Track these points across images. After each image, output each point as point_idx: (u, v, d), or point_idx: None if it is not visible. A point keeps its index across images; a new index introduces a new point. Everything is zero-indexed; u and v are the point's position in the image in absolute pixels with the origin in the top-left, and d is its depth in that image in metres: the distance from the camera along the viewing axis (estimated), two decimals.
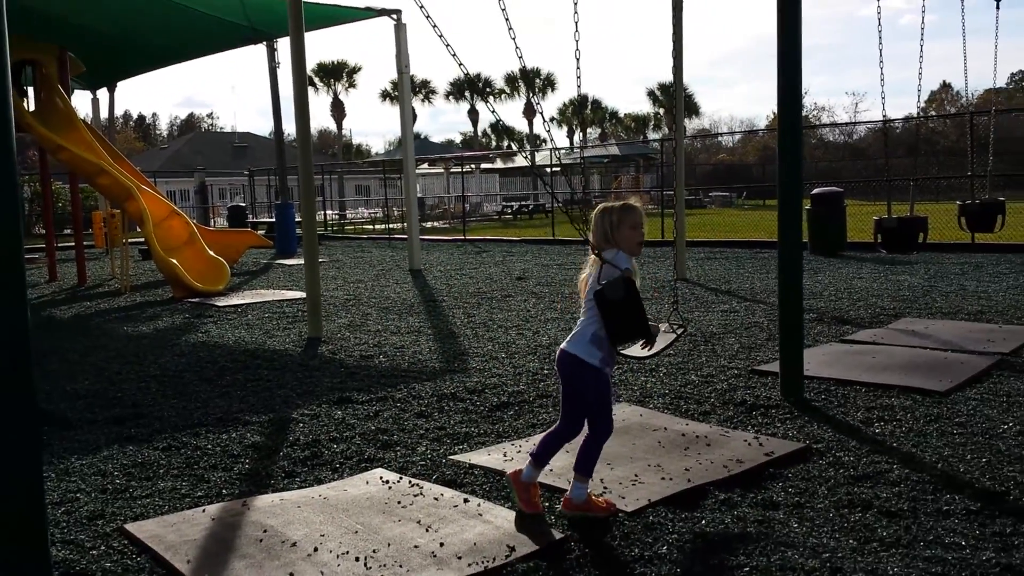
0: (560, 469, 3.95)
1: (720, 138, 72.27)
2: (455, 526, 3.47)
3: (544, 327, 8.17)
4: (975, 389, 5.38)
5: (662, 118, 66.57)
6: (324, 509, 3.71)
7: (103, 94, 20.88)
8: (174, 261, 12.24)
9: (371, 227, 32.40)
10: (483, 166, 49.72)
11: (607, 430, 3.56)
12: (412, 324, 8.85)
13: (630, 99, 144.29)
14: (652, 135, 66.73)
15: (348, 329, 8.66)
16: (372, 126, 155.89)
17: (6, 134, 2.69)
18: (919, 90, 8.79)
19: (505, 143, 67.16)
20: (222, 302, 11.18)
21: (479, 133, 69.69)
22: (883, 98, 7.86)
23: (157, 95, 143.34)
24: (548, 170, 39.32)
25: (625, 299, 3.34)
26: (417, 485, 3.97)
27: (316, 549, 3.30)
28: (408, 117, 15.46)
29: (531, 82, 56.22)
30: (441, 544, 3.30)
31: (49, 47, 14.55)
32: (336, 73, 61.28)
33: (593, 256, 3.49)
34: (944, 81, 71.69)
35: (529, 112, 63.12)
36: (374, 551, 3.26)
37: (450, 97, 66.01)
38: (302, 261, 10.32)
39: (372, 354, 7.30)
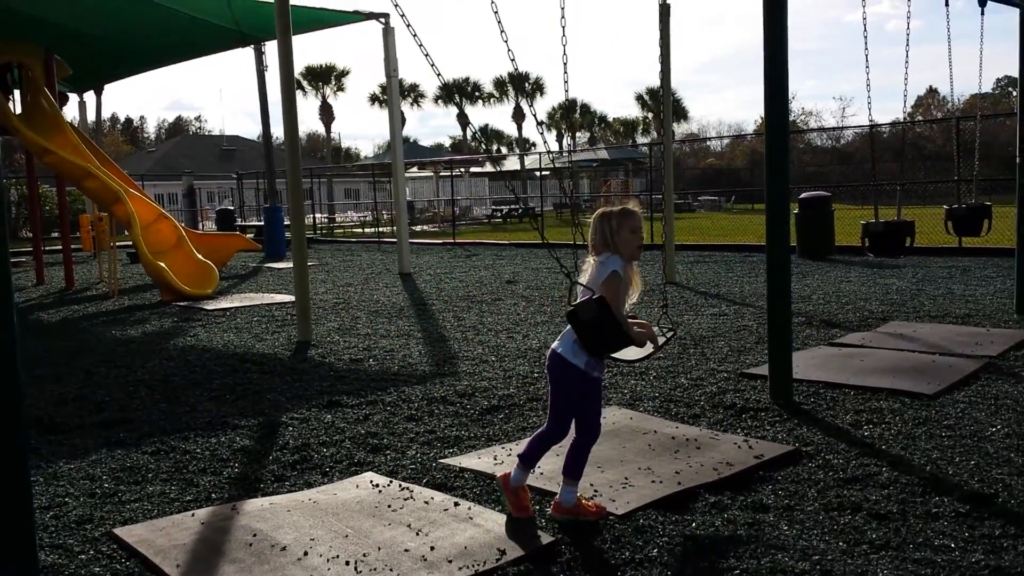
0: (550, 472, 3.95)
1: (709, 142, 72.56)
2: (445, 530, 3.46)
3: (534, 330, 8.17)
4: (963, 392, 5.41)
5: (651, 122, 66.73)
6: (314, 513, 3.70)
7: (90, 97, 20.80)
8: (162, 265, 12.19)
9: (360, 231, 32.36)
10: (472, 169, 49.74)
11: (593, 433, 3.57)
12: (402, 328, 8.84)
13: (619, 103, 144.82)
14: (641, 139, 66.89)
15: (337, 333, 8.64)
16: (361, 129, 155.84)
17: None
18: (905, 95, 8.83)
19: (487, 148, 67.19)
20: (211, 306, 11.14)
21: (468, 137, 69.70)
22: (869, 103, 7.90)
23: (144, 98, 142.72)
24: (538, 174, 39.37)
25: (597, 319, 3.33)
26: (407, 489, 3.96)
27: (306, 553, 3.28)
28: (397, 121, 15.45)
29: (521, 86, 56.29)
30: (432, 548, 3.29)
31: (35, 49, 14.47)
32: (324, 76, 61.17)
33: (591, 259, 3.50)
34: (930, 86, 72.21)
35: (518, 116, 63.17)
36: (364, 555, 3.25)
37: (439, 101, 66.01)
38: (291, 265, 10.29)
39: (362, 358, 7.29)
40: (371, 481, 4.10)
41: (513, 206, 38.84)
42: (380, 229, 28.00)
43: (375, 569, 3.13)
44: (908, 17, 8.19)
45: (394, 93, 15.28)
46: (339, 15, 14.74)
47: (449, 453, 4.56)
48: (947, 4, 8.44)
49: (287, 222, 16.34)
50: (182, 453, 4.71)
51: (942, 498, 3.65)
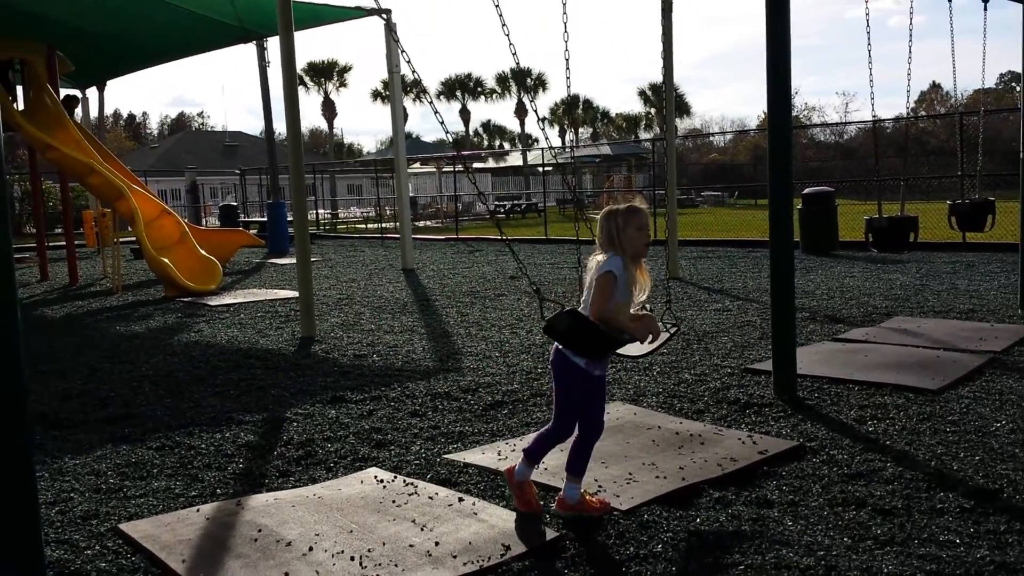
0: (554, 468, 3.95)
1: (711, 138, 72.41)
2: (450, 525, 3.47)
3: (537, 326, 8.17)
4: (967, 387, 5.40)
5: (653, 118, 66.63)
6: (319, 508, 3.70)
7: (93, 93, 20.80)
8: (166, 260, 12.20)
9: (363, 226, 32.37)
10: (475, 165, 49.72)
11: (596, 431, 3.56)
12: (405, 323, 8.84)
13: (621, 99, 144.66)
14: (644, 135, 66.79)
15: (341, 328, 8.64)
16: (363, 125, 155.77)
17: None
18: (908, 90, 8.84)
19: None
20: (214, 301, 11.15)
21: (471, 132, 69.64)
22: (872, 99, 7.90)
23: (147, 94, 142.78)
24: (541, 170, 39.34)
25: (572, 329, 3.35)
26: (411, 484, 3.97)
27: (311, 548, 3.29)
28: (399, 116, 15.44)
29: (523, 81, 56.22)
30: (436, 543, 3.30)
31: (38, 46, 14.47)
32: (327, 72, 61.13)
33: (598, 257, 3.49)
34: (933, 81, 71.98)
35: (521, 111, 63.11)
36: (369, 550, 3.26)
37: (441, 97, 65.92)
38: (294, 260, 10.30)
39: (366, 353, 7.29)
40: (375, 476, 4.10)
41: (516, 202, 38.82)
42: (383, 225, 28.00)
43: (380, 564, 3.13)
44: (911, 13, 8.17)
45: (396, 89, 15.27)
46: (341, 11, 14.72)
47: (453, 448, 4.56)
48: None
49: (290, 218, 16.36)
50: (187, 449, 4.72)
51: (947, 493, 3.65)
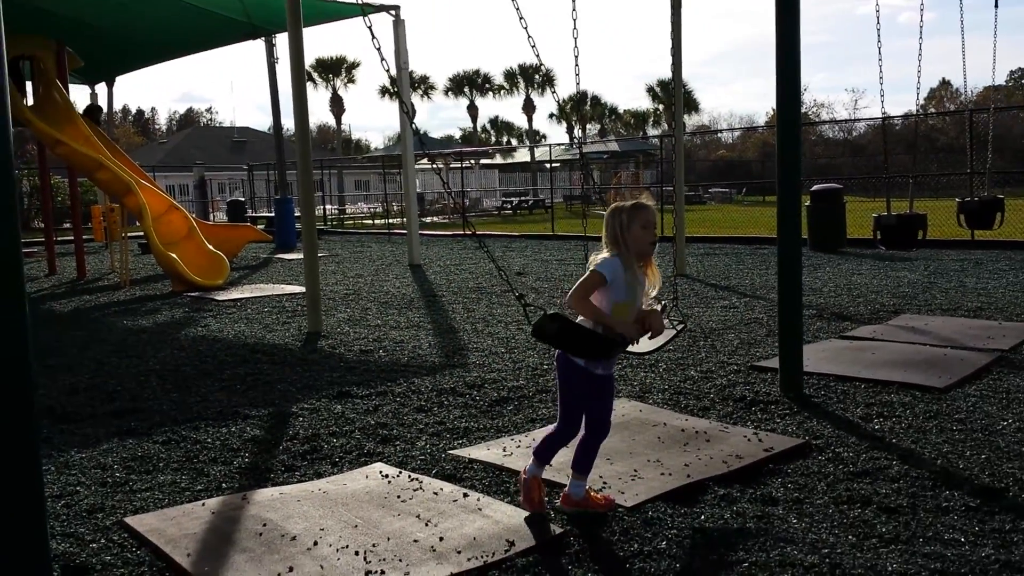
0: (559, 464, 3.94)
1: (720, 134, 72.29)
2: (454, 520, 3.47)
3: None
4: (974, 386, 5.38)
5: (662, 114, 66.45)
6: (324, 503, 3.71)
7: (102, 89, 20.86)
8: (173, 255, 12.24)
9: (370, 222, 32.40)
10: (482, 162, 49.71)
11: (602, 431, 3.54)
12: (412, 319, 8.85)
13: (630, 95, 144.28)
14: (652, 131, 66.67)
15: (348, 324, 8.66)
16: (371, 121, 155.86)
17: (3, 128, 2.69)
18: (918, 87, 8.79)
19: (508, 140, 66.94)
20: (221, 296, 11.18)
21: (478, 129, 69.62)
22: (882, 95, 7.86)
23: (156, 90, 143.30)
24: (548, 166, 39.33)
25: (560, 332, 3.32)
26: (416, 479, 3.97)
27: (316, 543, 3.30)
28: (407, 113, 15.42)
29: (534, 76, 56.15)
30: (440, 538, 3.30)
31: (47, 42, 14.52)
32: (335, 68, 61.14)
33: (600, 255, 3.47)
34: (943, 78, 71.74)
35: (528, 108, 63.04)
36: (374, 545, 3.26)
37: (449, 93, 65.88)
38: (301, 256, 10.32)
39: (372, 349, 7.30)
40: (381, 472, 4.11)
41: (523, 198, 38.80)
42: (390, 220, 28.02)
43: (384, 559, 3.14)
44: (921, 9, 8.14)
45: (404, 85, 15.27)
46: (349, 7, 14.74)
47: (458, 444, 4.57)
48: None
49: (298, 213, 16.39)
50: (193, 443, 4.74)
51: (952, 492, 3.63)
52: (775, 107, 5.59)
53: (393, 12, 14.60)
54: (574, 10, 4.71)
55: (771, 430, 4.60)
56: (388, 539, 3.32)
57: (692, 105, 63.90)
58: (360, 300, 10.43)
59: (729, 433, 4.52)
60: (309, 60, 55.84)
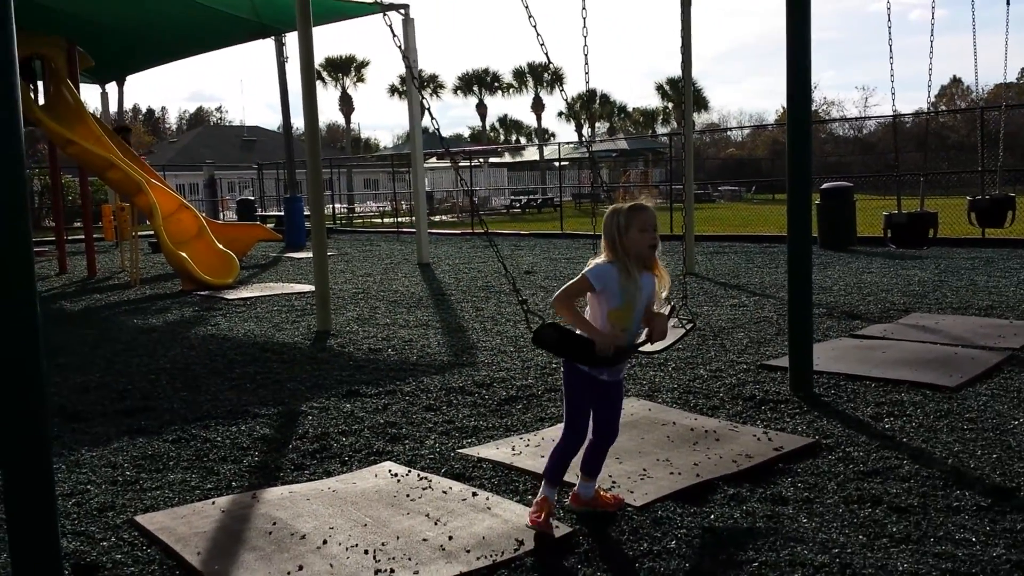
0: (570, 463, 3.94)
1: (729, 132, 72.09)
2: (464, 519, 3.47)
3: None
4: (985, 385, 5.36)
5: (671, 112, 66.40)
6: (333, 502, 3.72)
7: (112, 88, 20.94)
8: (183, 254, 12.27)
9: (380, 221, 32.44)
10: (491, 160, 49.70)
11: (610, 436, 3.50)
12: (421, 317, 8.86)
13: (639, 93, 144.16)
14: (661, 129, 66.59)
15: (357, 322, 8.67)
16: (381, 120, 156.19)
17: (14, 128, 2.70)
18: (929, 85, 8.76)
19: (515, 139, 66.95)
20: (231, 295, 11.21)
21: (487, 127, 69.63)
22: (893, 93, 7.84)
23: (166, 89, 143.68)
24: (557, 164, 39.30)
25: (559, 342, 3.28)
26: (426, 478, 3.97)
27: (325, 542, 3.30)
28: (416, 111, 15.45)
29: (542, 75, 56.11)
30: (450, 537, 3.30)
31: (58, 41, 14.58)
32: (344, 67, 61.31)
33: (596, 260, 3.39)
34: (954, 76, 71.27)
35: (537, 106, 63.04)
36: (383, 544, 3.27)
37: (458, 91, 65.96)
38: (311, 254, 10.33)
39: (381, 347, 7.31)
40: (390, 470, 4.11)
41: (532, 196, 38.78)
42: (399, 219, 28.04)
43: (394, 558, 3.14)
44: (932, 6, 8.10)
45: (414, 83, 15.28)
46: (359, 6, 14.76)
47: (467, 443, 4.57)
48: None
49: (307, 212, 16.43)
50: (203, 441, 4.75)
51: (963, 492, 3.62)
52: (785, 105, 5.57)
53: (403, 11, 14.60)
54: (584, 8, 4.70)
55: (781, 429, 4.58)
56: (397, 538, 3.32)
57: (701, 103, 63.84)
58: (369, 299, 10.45)
59: (739, 432, 4.51)
60: (318, 59, 55.90)
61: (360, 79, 62.32)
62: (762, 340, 7.03)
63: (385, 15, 4.19)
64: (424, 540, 3.29)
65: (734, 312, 8.46)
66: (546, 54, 4.31)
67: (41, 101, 14.47)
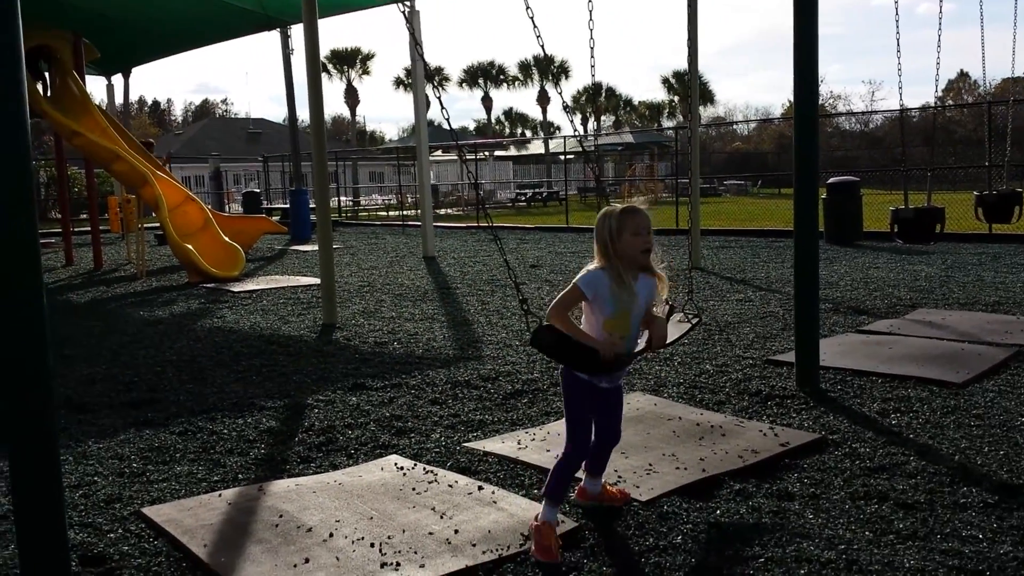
0: None
1: (735, 126, 71.93)
2: (469, 513, 3.47)
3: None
4: (992, 381, 5.35)
5: (677, 106, 66.23)
6: (339, 495, 3.72)
7: (118, 80, 20.94)
8: (189, 247, 12.29)
9: (385, 214, 32.43)
10: (496, 153, 49.64)
11: (612, 439, 3.44)
12: (426, 311, 8.86)
13: (645, 87, 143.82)
14: (667, 123, 66.43)
15: (362, 315, 8.67)
16: (386, 113, 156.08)
17: (20, 119, 2.70)
18: (937, 79, 8.72)
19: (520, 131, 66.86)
20: (237, 288, 11.22)
21: (493, 120, 69.54)
22: (900, 87, 7.81)
23: (171, 81, 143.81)
24: (562, 158, 39.25)
25: (555, 346, 3.13)
26: (431, 472, 3.98)
27: (331, 535, 3.31)
28: (422, 104, 15.43)
29: (547, 69, 55.98)
30: (455, 531, 3.30)
31: (64, 33, 14.58)
32: (350, 60, 61.20)
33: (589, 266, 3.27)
34: (962, 70, 71.05)
35: (543, 99, 62.91)
36: (389, 537, 3.27)
37: (463, 84, 65.84)
38: (316, 247, 10.34)
39: (386, 341, 7.32)
40: (396, 464, 4.12)
41: (537, 190, 38.74)
42: (404, 212, 28.04)
43: (400, 552, 3.14)
44: (940, 0, 8.05)
45: (419, 76, 15.26)
46: None
47: (473, 437, 4.57)
48: None
49: (312, 205, 16.44)
50: (209, 434, 4.76)
51: (970, 488, 3.61)
52: (791, 99, 5.55)
53: (408, 3, 14.57)
54: (590, 1, 4.68)
55: (787, 425, 4.58)
56: (403, 531, 3.32)
57: (707, 96, 63.66)
58: (375, 292, 10.45)
59: (745, 427, 4.50)
60: (324, 51, 55.97)
61: (365, 71, 62.20)
62: (768, 335, 7.02)
63: (401, 4, 4.13)
64: (430, 533, 3.29)
65: (740, 307, 8.45)
66: (542, 46, 4.26)
67: (47, 93, 14.48)
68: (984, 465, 3.88)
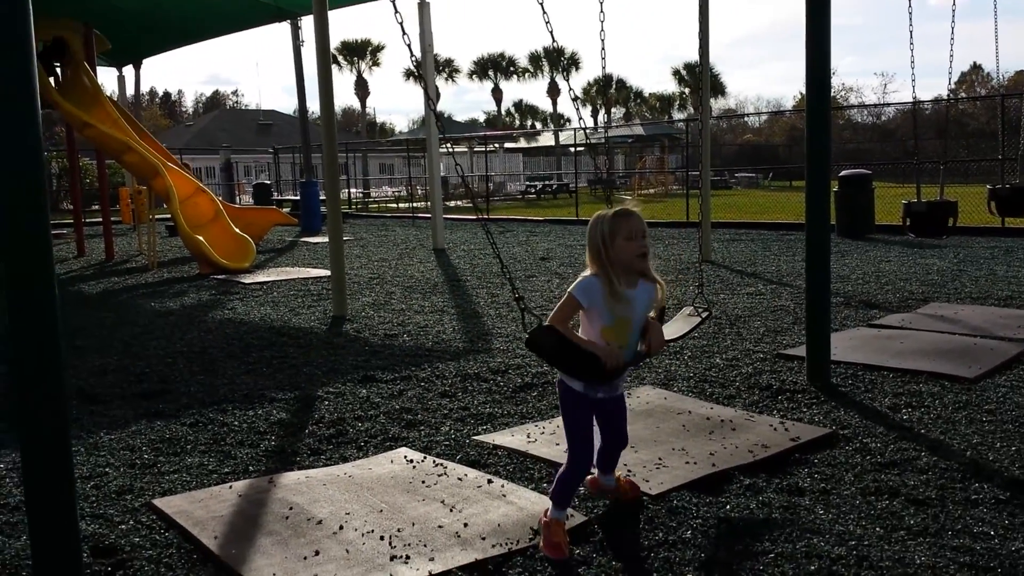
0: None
1: (746, 118, 71.66)
2: (479, 507, 3.48)
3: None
4: (1005, 376, 5.31)
5: (687, 98, 66.01)
6: (349, 487, 3.73)
7: (129, 71, 20.99)
8: (200, 238, 12.32)
9: (395, 206, 32.45)
10: (507, 145, 49.58)
11: (619, 443, 3.38)
12: (436, 303, 8.87)
13: (655, 78, 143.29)
14: (677, 115, 66.24)
15: (372, 308, 8.68)
16: (396, 105, 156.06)
17: (32, 111, 2.70)
18: (950, 72, 8.67)
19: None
20: (248, 279, 11.25)
21: (503, 112, 69.45)
22: (913, 80, 7.77)
23: (182, 72, 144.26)
24: (572, 150, 39.18)
25: (555, 348, 3.01)
26: (441, 465, 3.98)
27: (341, 527, 3.31)
28: (432, 96, 15.41)
29: (558, 61, 55.87)
30: (465, 524, 3.31)
31: (75, 24, 14.62)
32: (360, 51, 61.23)
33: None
34: (975, 62, 70.51)
35: (553, 91, 62.79)
36: (399, 530, 3.27)
37: (474, 76, 65.79)
38: (326, 239, 10.36)
39: (396, 333, 7.32)
40: (405, 456, 4.12)
41: (547, 182, 38.68)
42: (414, 204, 28.05)
43: (409, 544, 3.15)
44: None
45: (429, 68, 15.24)
46: None
47: (483, 430, 4.57)
48: None
49: (323, 197, 16.45)
50: (220, 425, 4.78)
51: (982, 484, 3.59)
52: (803, 91, 5.52)
53: None
54: None
55: (798, 419, 4.56)
56: (413, 524, 3.33)
57: (718, 88, 63.45)
58: (385, 284, 10.46)
59: (755, 422, 4.49)
60: (334, 43, 55.90)
61: (376, 63, 62.26)
62: (779, 329, 6.99)
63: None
64: (439, 527, 3.30)
65: (751, 300, 8.42)
66: (551, 31, 4.23)
67: (59, 83, 14.52)
68: (996, 461, 3.86)
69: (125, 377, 5.97)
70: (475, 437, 4.44)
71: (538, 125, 73.30)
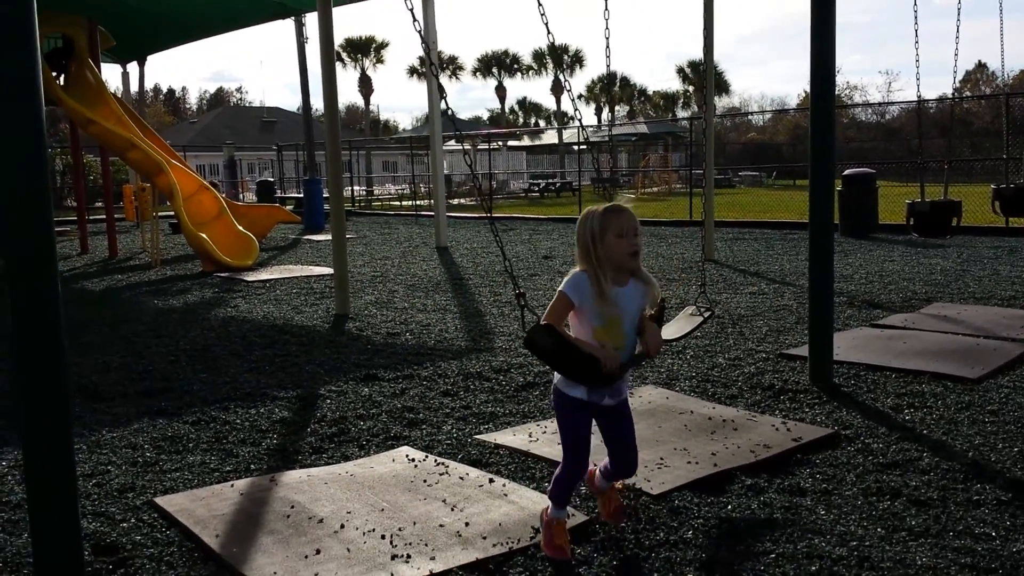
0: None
1: (750, 117, 71.58)
2: (480, 506, 3.48)
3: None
4: (1008, 376, 5.30)
5: (691, 96, 65.94)
6: (351, 486, 3.73)
7: (133, 68, 20.99)
8: (204, 235, 12.33)
9: (398, 203, 32.46)
10: (510, 143, 49.56)
11: (628, 467, 3.22)
12: (439, 302, 8.87)
13: (659, 76, 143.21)
14: (681, 113, 66.15)
15: (375, 306, 8.69)
16: (400, 102, 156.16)
17: (36, 108, 2.70)
18: (955, 70, 8.64)
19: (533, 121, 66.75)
20: (251, 277, 11.26)
21: (506, 110, 69.41)
22: (918, 78, 7.74)
23: (186, 69, 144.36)
24: (576, 148, 39.15)
25: (554, 349, 2.90)
26: (443, 464, 3.98)
27: (343, 526, 3.32)
28: (435, 94, 15.40)
29: (560, 60, 55.82)
30: (466, 524, 3.31)
31: (79, 20, 14.62)
32: (364, 48, 61.19)
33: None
34: (979, 61, 70.37)
35: (557, 89, 62.73)
36: (400, 529, 3.28)
37: (477, 73, 65.75)
38: (329, 237, 10.36)
39: (399, 331, 7.32)
40: (407, 455, 4.12)
41: (551, 180, 38.66)
42: (418, 202, 28.05)
43: (410, 543, 3.15)
44: None
45: (434, 64, 15.23)
46: None
47: (484, 429, 4.57)
48: None
49: (326, 194, 16.46)
50: (222, 423, 4.78)
51: (984, 485, 3.59)
52: (807, 90, 5.51)
53: None
54: None
55: (800, 419, 4.56)
56: (414, 523, 3.33)
57: (722, 87, 63.33)
58: (387, 282, 10.46)
59: (757, 422, 4.48)
60: (338, 40, 55.92)
61: (379, 60, 62.19)
62: (781, 329, 6.99)
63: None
64: (441, 526, 3.30)
65: (753, 300, 8.42)
66: (551, 39, 4.23)
67: (62, 80, 14.53)
68: (998, 462, 3.86)
69: (128, 375, 5.98)
70: (477, 436, 4.44)
71: (542, 123, 73.26)
